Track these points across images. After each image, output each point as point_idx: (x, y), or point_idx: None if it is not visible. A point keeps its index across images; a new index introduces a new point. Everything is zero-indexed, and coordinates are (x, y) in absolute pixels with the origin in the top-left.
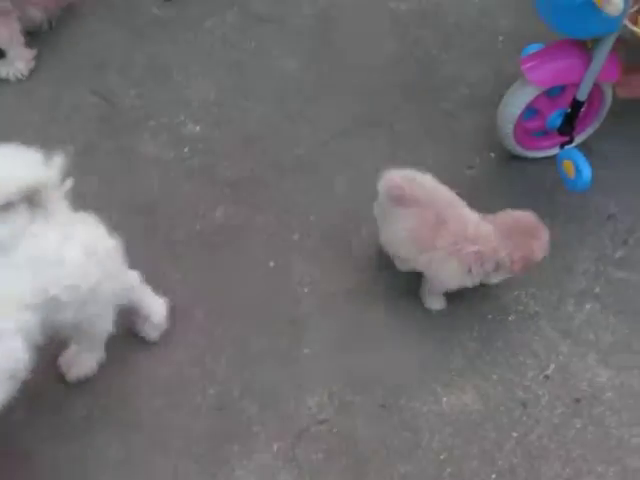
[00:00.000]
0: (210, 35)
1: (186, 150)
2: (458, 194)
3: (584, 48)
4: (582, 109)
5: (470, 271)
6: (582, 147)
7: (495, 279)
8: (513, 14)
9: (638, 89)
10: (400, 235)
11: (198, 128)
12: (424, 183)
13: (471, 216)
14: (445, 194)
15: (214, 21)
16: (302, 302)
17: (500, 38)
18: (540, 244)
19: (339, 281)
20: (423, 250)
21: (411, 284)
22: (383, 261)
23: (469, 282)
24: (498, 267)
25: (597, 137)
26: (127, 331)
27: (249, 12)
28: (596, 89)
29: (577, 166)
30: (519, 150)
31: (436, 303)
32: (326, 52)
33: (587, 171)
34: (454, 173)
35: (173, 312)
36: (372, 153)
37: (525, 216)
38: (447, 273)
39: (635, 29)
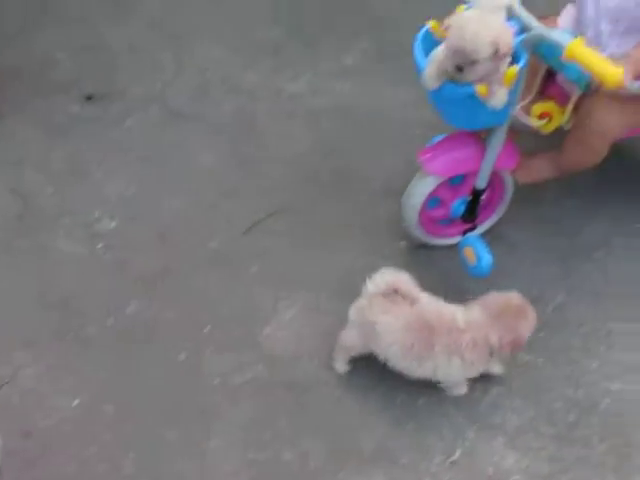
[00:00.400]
0: (131, 132)
1: (100, 246)
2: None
3: (479, 138)
4: (483, 197)
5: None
6: (489, 233)
7: (496, 366)
8: (428, 106)
9: (537, 174)
10: (394, 352)
11: (113, 224)
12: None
13: (450, 307)
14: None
15: (135, 118)
16: (212, 394)
17: (415, 130)
18: (528, 325)
19: (248, 372)
20: (423, 360)
21: (320, 374)
22: (292, 352)
23: (475, 372)
24: (491, 352)
25: (504, 223)
26: None
27: (170, 109)
28: (496, 177)
29: (477, 253)
30: (426, 238)
31: (460, 389)
32: (243, 146)
33: (487, 257)
34: (364, 261)
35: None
36: (286, 245)
37: (514, 297)
38: (455, 371)
39: (528, 121)
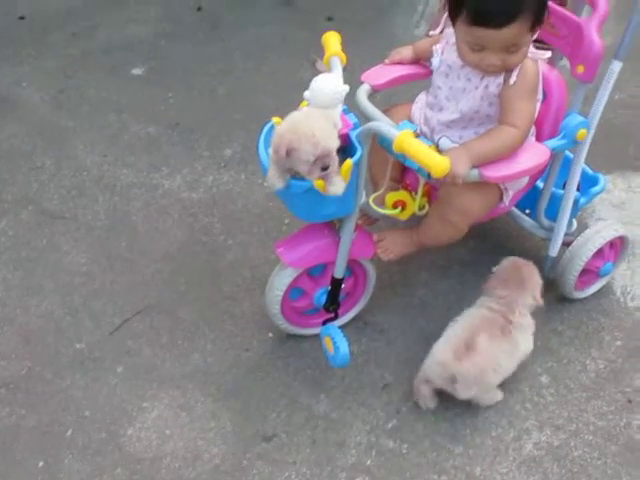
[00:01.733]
0: (2, 235)
1: None
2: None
3: (334, 229)
4: (343, 286)
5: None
6: (360, 319)
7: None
8: None
9: (399, 250)
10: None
11: None
12: None
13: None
14: None
15: (7, 221)
16: None
17: (285, 221)
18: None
19: (107, 477)
20: None
21: (183, 473)
22: (155, 452)
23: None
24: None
25: (375, 308)
26: None
27: (43, 210)
28: (357, 265)
29: (335, 342)
30: (292, 329)
31: (496, 395)
32: (115, 245)
33: (344, 348)
34: (231, 357)
35: None
36: (153, 344)
37: (514, 261)
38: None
39: (382, 210)
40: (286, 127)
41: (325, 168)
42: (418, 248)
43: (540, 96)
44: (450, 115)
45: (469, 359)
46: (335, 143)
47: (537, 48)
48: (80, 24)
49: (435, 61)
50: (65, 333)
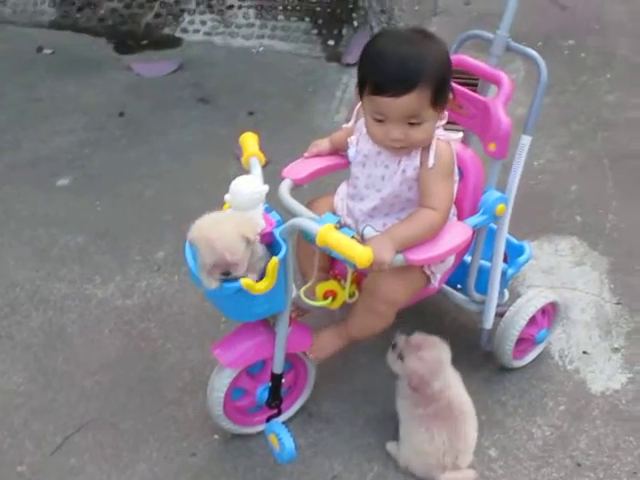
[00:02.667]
0: None
1: None
2: None
3: (268, 324)
4: (283, 380)
5: None
6: (305, 410)
7: None
8: None
9: (329, 348)
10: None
11: None
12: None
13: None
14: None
15: None
16: None
17: (223, 320)
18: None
19: None
20: None
21: None
22: None
23: None
24: None
25: (319, 398)
26: None
27: None
28: (296, 359)
29: (280, 439)
30: (237, 429)
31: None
32: (52, 361)
33: (289, 442)
34: (178, 464)
35: None
36: (96, 460)
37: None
38: None
39: (312, 302)
40: (195, 228)
41: (226, 274)
42: (349, 342)
43: (457, 177)
44: (371, 202)
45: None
46: (236, 256)
47: (448, 130)
48: (4, 138)
49: (351, 152)
50: (6, 456)
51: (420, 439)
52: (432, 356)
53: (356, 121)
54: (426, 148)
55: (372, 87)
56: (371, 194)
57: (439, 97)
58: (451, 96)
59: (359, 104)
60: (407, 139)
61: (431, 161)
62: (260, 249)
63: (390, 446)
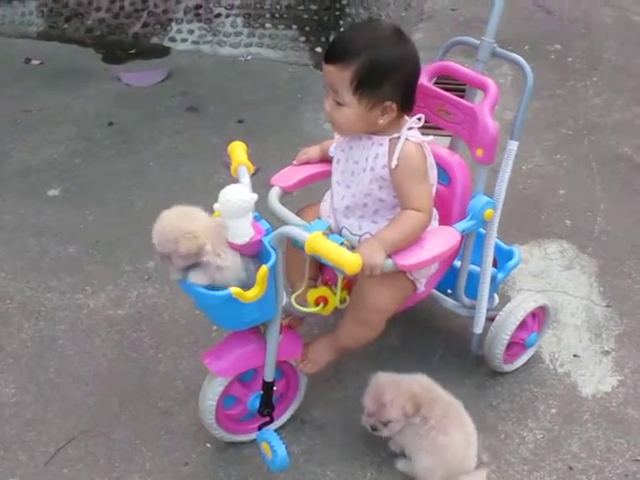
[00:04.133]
0: None
1: None
2: None
3: (259, 332)
4: (275, 388)
5: None
6: (298, 417)
7: None
8: None
9: (320, 361)
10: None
11: None
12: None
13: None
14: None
15: None
16: None
17: (214, 328)
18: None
19: None
20: None
21: None
22: None
23: None
24: None
25: (308, 407)
26: None
27: None
28: (287, 367)
29: (272, 447)
30: (230, 437)
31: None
32: (44, 372)
33: (281, 450)
34: (171, 473)
35: None
36: (89, 470)
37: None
38: None
39: (304, 309)
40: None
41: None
42: (341, 353)
43: (434, 181)
44: (342, 201)
45: None
46: (185, 248)
47: (437, 136)
48: None
49: (332, 148)
50: None
51: (439, 446)
52: (394, 396)
53: None
54: (393, 147)
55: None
56: (342, 190)
57: (361, 86)
58: (390, 104)
59: None
60: (331, 115)
61: (394, 162)
62: (236, 260)
63: (401, 465)
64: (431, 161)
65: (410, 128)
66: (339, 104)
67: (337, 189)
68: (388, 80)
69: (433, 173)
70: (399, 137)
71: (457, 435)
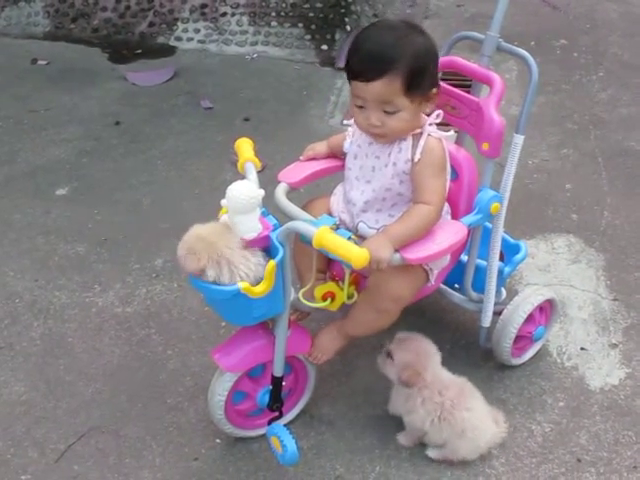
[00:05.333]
0: None
1: None
2: None
3: (268, 328)
4: (284, 383)
5: None
6: (307, 413)
7: None
8: None
9: (330, 349)
10: None
11: None
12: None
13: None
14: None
15: None
16: None
17: (222, 324)
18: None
19: None
20: None
21: None
22: None
23: None
24: None
25: (320, 400)
26: None
27: None
28: (296, 362)
29: (282, 441)
30: (239, 432)
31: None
32: (53, 369)
33: (291, 445)
34: (181, 469)
35: None
36: (99, 467)
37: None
38: None
39: (312, 304)
40: (186, 236)
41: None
42: (348, 341)
43: (449, 176)
44: (361, 195)
45: None
46: (190, 268)
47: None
48: (0, 149)
49: (346, 144)
50: (10, 464)
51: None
52: (417, 346)
53: (352, 116)
54: (416, 142)
55: (350, 72)
56: (361, 185)
57: (413, 87)
58: (434, 90)
59: None
60: (384, 127)
61: (417, 155)
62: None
63: (434, 453)
64: (447, 157)
65: (430, 124)
66: (390, 113)
67: (356, 184)
68: (427, 71)
69: (448, 168)
70: (421, 133)
71: (477, 406)
